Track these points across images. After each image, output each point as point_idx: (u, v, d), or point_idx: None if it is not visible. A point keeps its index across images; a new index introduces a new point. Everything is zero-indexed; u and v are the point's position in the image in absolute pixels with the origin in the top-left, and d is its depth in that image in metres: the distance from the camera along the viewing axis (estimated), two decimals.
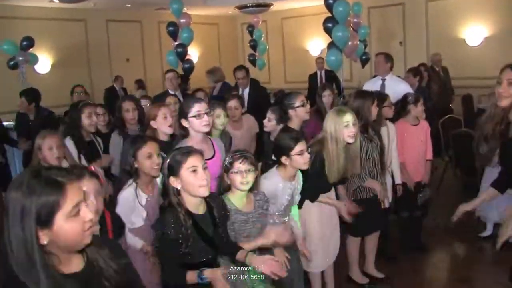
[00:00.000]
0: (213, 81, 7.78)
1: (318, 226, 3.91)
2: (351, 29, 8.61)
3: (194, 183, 2.58)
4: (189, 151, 2.64)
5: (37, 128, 5.37)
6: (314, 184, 3.70)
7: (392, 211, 5.02)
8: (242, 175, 2.94)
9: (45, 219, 1.47)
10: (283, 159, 3.36)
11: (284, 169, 3.42)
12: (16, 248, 1.46)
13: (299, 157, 3.32)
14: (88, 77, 11.99)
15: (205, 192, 2.61)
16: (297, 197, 3.61)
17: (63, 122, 5.91)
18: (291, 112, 4.36)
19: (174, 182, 2.59)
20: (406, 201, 5.11)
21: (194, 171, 2.57)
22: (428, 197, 5.22)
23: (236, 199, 3.02)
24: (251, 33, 13.04)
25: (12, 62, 8.99)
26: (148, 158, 3.28)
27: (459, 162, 6.64)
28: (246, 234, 3.01)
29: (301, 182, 3.60)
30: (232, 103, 5.10)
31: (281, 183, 3.40)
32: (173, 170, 2.59)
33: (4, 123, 7.19)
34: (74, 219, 1.52)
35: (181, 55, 9.21)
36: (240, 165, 2.95)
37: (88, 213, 1.56)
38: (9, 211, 1.48)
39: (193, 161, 2.59)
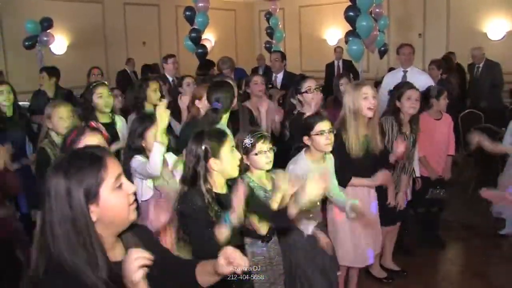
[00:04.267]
0: (228, 71, 7.74)
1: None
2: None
3: (233, 162, 2.59)
4: (225, 133, 2.66)
5: None
6: (341, 166, 3.62)
7: (409, 205, 4.96)
8: (266, 155, 2.96)
9: (93, 193, 1.50)
10: (305, 139, 3.36)
11: (310, 152, 3.40)
12: (64, 230, 1.47)
13: (319, 137, 3.29)
14: (104, 60, 11.95)
15: (237, 172, 2.64)
16: (332, 180, 3.50)
17: (79, 104, 5.83)
18: (299, 97, 4.35)
19: (214, 164, 2.55)
20: (424, 196, 5.04)
21: (232, 151, 2.61)
22: (440, 197, 5.10)
23: (256, 179, 3.04)
24: (268, 20, 12.95)
25: (28, 42, 8.98)
26: (155, 137, 3.24)
27: (478, 158, 6.54)
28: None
29: (332, 165, 3.54)
30: (257, 78, 5.18)
31: (310, 165, 3.36)
32: (213, 152, 2.55)
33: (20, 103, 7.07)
34: (118, 192, 1.56)
35: (195, 40, 9.14)
36: (262, 145, 2.96)
37: (130, 186, 1.60)
38: (51, 196, 1.49)
39: (230, 141, 2.62)
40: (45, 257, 1.49)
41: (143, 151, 3.32)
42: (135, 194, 2.25)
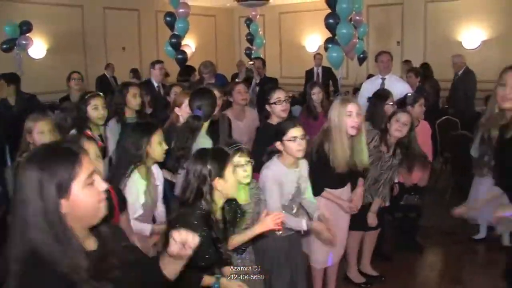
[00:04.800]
0: (207, 76, 7.74)
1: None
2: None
3: (234, 182, 2.57)
4: (227, 153, 2.65)
5: (21, 112, 5.17)
6: (317, 176, 3.65)
7: (387, 210, 5.02)
8: (243, 168, 2.93)
9: (64, 187, 1.50)
10: (277, 144, 3.35)
11: (283, 157, 3.41)
12: (37, 222, 1.48)
13: (291, 143, 3.29)
14: (83, 64, 11.86)
15: (236, 193, 2.63)
16: (305, 185, 3.55)
17: (54, 108, 5.72)
18: (267, 107, 4.34)
19: (218, 184, 2.51)
20: (400, 202, 5.09)
21: (234, 170, 2.59)
22: (414, 203, 5.15)
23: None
24: (248, 26, 13.03)
25: (6, 46, 8.88)
26: (159, 144, 3.25)
27: (455, 164, 6.65)
28: (245, 226, 3.01)
29: (306, 169, 3.57)
30: (240, 87, 5.14)
31: (283, 170, 3.37)
32: (219, 171, 2.51)
33: None
34: (89, 189, 1.56)
35: (176, 45, 9.14)
36: (240, 159, 2.93)
37: (102, 184, 1.61)
38: (23, 187, 1.50)
39: (237, 158, 2.66)
40: (20, 250, 1.49)
41: (140, 161, 3.22)
42: (109, 191, 2.26)
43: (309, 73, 10.87)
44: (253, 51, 12.83)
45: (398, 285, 4.69)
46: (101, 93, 4.45)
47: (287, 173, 3.38)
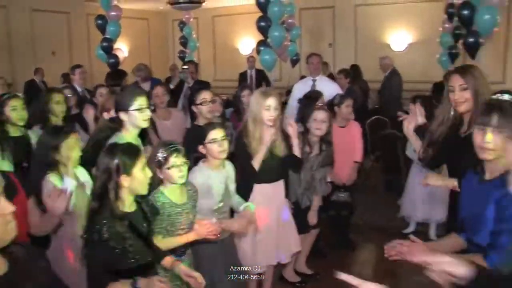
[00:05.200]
0: (140, 79, 7.64)
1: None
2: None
3: (143, 181, 2.54)
4: (138, 149, 2.61)
5: None
6: (243, 173, 3.69)
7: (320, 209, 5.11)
8: (179, 169, 2.93)
9: None
10: (200, 148, 3.37)
11: (208, 160, 3.42)
12: None
13: (212, 145, 3.32)
14: (10, 69, 11.43)
15: (147, 190, 2.59)
16: (233, 185, 3.59)
17: None
18: (194, 108, 4.36)
19: (125, 181, 2.48)
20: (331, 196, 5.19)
21: (144, 169, 2.54)
22: (343, 199, 5.27)
23: (170, 192, 3.00)
24: (181, 29, 12.95)
25: None
26: (72, 148, 3.16)
27: (385, 162, 6.86)
28: (183, 226, 3.02)
29: (232, 170, 3.60)
30: (158, 90, 5.10)
31: (209, 174, 3.39)
32: (125, 169, 2.47)
33: None
34: None
35: (107, 49, 8.96)
36: (175, 159, 2.92)
37: (7, 206, 1.52)
38: None
39: (143, 158, 2.55)
40: None
41: (55, 165, 3.14)
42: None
43: (243, 76, 10.92)
44: (186, 55, 12.76)
45: (332, 282, 4.74)
46: (19, 94, 4.31)
47: (213, 176, 3.39)
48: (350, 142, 5.15)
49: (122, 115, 3.35)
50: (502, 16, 9.30)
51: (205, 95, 4.31)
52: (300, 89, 5.78)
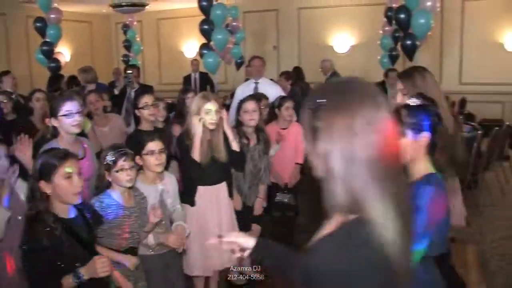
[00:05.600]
0: (85, 81, 7.50)
1: (196, 227, 3.78)
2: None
3: (68, 190, 2.44)
4: (65, 155, 2.49)
5: None
6: (185, 178, 3.69)
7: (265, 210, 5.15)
8: (127, 172, 2.93)
9: None
10: (137, 158, 3.25)
11: (144, 172, 3.36)
12: None
13: (149, 157, 3.27)
14: None
15: (77, 200, 2.50)
16: (171, 200, 3.50)
17: None
18: (136, 112, 4.35)
19: (45, 187, 2.42)
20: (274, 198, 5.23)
21: (69, 177, 2.44)
22: (286, 201, 5.31)
23: (117, 195, 3.00)
24: (125, 33, 12.77)
25: None
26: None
27: None
28: (130, 229, 3.00)
29: (172, 184, 3.55)
30: (92, 97, 5.03)
31: (142, 186, 3.29)
32: (45, 174, 2.41)
33: None
34: None
35: (48, 53, 8.76)
36: (124, 163, 2.93)
37: None
38: None
39: (69, 166, 2.45)
40: None
41: None
42: None
43: (187, 79, 10.88)
44: (130, 58, 12.61)
45: (279, 283, 4.81)
46: None
47: (145, 189, 3.29)
48: (292, 144, 5.21)
49: (53, 122, 3.32)
50: (437, 20, 9.66)
51: (146, 99, 4.28)
52: (242, 92, 5.80)
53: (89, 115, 5.02)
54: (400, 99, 3.00)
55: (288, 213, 5.43)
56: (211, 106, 3.69)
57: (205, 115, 3.66)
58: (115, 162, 2.92)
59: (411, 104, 2.19)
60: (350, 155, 1.23)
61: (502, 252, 5.07)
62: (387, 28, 9.64)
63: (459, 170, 2.39)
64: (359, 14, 12.11)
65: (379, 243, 1.22)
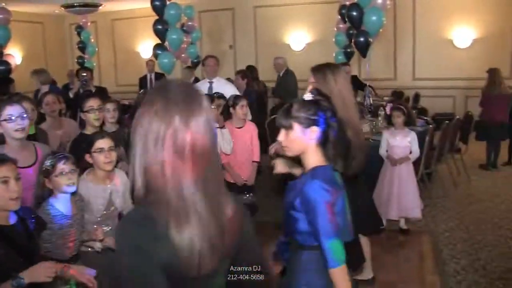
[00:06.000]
0: (39, 83, 7.35)
1: None
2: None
3: (3, 195, 2.36)
4: (1, 160, 2.42)
5: None
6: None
7: None
8: (67, 176, 2.84)
9: None
10: (87, 156, 3.23)
11: (93, 171, 3.30)
12: None
13: (98, 155, 3.21)
14: None
15: (16, 206, 2.42)
16: (121, 200, 3.39)
17: None
18: (82, 115, 4.29)
19: None
20: None
21: (5, 181, 2.37)
22: (249, 202, 5.23)
23: (60, 204, 2.89)
24: (79, 34, 12.53)
25: None
26: None
27: (284, 160, 6.98)
28: (72, 238, 2.92)
29: (125, 182, 3.42)
30: (49, 98, 4.88)
31: (90, 185, 3.24)
32: None
33: None
34: None
35: None
36: (63, 166, 2.84)
37: None
38: None
39: (4, 171, 2.37)
40: None
41: None
42: None
43: (143, 80, 10.76)
44: (85, 60, 12.39)
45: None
46: None
47: (94, 189, 3.24)
48: (248, 143, 5.23)
49: None
50: (390, 17, 9.86)
51: (91, 103, 4.19)
52: None
53: (43, 117, 4.95)
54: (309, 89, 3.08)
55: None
56: None
57: None
58: (53, 166, 2.83)
59: (304, 99, 2.27)
60: None
61: (453, 241, 5.22)
62: (341, 26, 9.76)
63: (347, 166, 2.52)
64: (314, 12, 12.23)
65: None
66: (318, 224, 2.15)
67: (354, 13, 7.52)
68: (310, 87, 3.03)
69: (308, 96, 2.28)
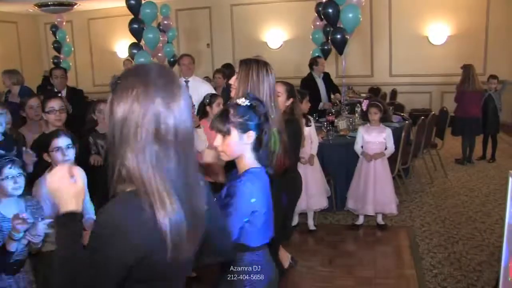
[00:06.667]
0: (11, 83, 7.20)
1: None
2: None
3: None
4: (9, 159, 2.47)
5: None
6: None
7: None
8: (14, 180, 2.80)
9: None
10: (45, 156, 3.22)
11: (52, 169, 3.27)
12: None
13: (56, 153, 3.19)
14: None
15: None
16: (86, 197, 3.30)
17: None
18: (43, 115, 4.28)
19: None
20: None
21: None
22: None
23: (5, 207, 2.83)
24: (54, 33, 12.38)
25: None
26: None
27: None
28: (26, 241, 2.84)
29: (83, 178, 3.41)
30: (33, 101, 4.81)
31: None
32: None
33: None
34: None
35: None
36: (10, 170, 2.79)
37: None
38: None
39: (7, 170, 2.43)
40: None
41: None
42: None
43: None
44: (61, 60, 12.25)
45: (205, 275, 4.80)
46: None
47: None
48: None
49: None
50: (366, 14, 9.92)
51: (53, 104, 4.17)
52: None
53: (24, 120, 4.89)
54: (233, 80, 3.10)
55: None
56: None
57: None
58: (0, 170, 2.79)
59: (240, 103, 2.27)
60: None
61: (429, 235, 5.28)
62: (318, 23, 9.78)
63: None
64: (291, 10, 12.28)
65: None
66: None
67: (330, 10, 7.53)
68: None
69: (243, 101, 2.28)
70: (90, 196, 3.35)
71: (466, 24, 11.24)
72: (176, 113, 1.35)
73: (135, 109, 1.32)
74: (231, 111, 2.22)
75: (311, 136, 5.52)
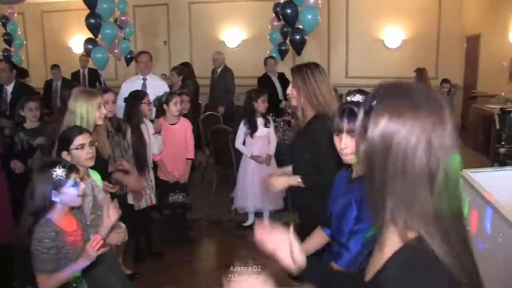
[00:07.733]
0: None
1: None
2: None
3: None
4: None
5: None
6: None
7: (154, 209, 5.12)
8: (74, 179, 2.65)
9: None
10: (64, 154, 3.02)
11: None
12: None
13: (80, 151, 3.02)
14: None
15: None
16: (101, 194, 3.28)
17: None
18: (20, 112, 4.40)
19: None
20: (166, 200, 5.21)
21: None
22: (180, 201, 5.27)
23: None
24: (5, 25, 11.95)
25: None
26: None
27: (219, 158, 6.95)
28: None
29: (98, 178, 3.35)
30: (32, 105, 4.70)
31: None
32: None
33: None
34: None
35: None
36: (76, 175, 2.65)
37: None
38: None
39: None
40: None
41: None
42: None
43: (75, 76, 10.44)
44: (12, 53, 11.85)
45: (172, 277, 4.76)
46: None
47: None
48: (181, 139, 5.21)
49: None
50: (324, 16, 10.02)
51: (31, 104, 4.38)
52: (128, 88, 5.59)
53: None
54: (290, 90, 3.16)
55: (178, 211, 5.42)
56: (100, 99, 3.59)
57: (97, 110, 3.51)
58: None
59: (358, 100, 2.24)
60: None
61: None
62: (275, 23, 9.81)
63: None
64: (249, 9, 12.30)
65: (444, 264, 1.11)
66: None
67: (289, 11, 7.56)
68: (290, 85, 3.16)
69: (357, 97, 2.28)
70: None
71: (420, 28, 11.53)
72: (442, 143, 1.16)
73: (412, 137, 1.14)
74: (356, 109, 2.04)
75: (269, 136, 5.56)
